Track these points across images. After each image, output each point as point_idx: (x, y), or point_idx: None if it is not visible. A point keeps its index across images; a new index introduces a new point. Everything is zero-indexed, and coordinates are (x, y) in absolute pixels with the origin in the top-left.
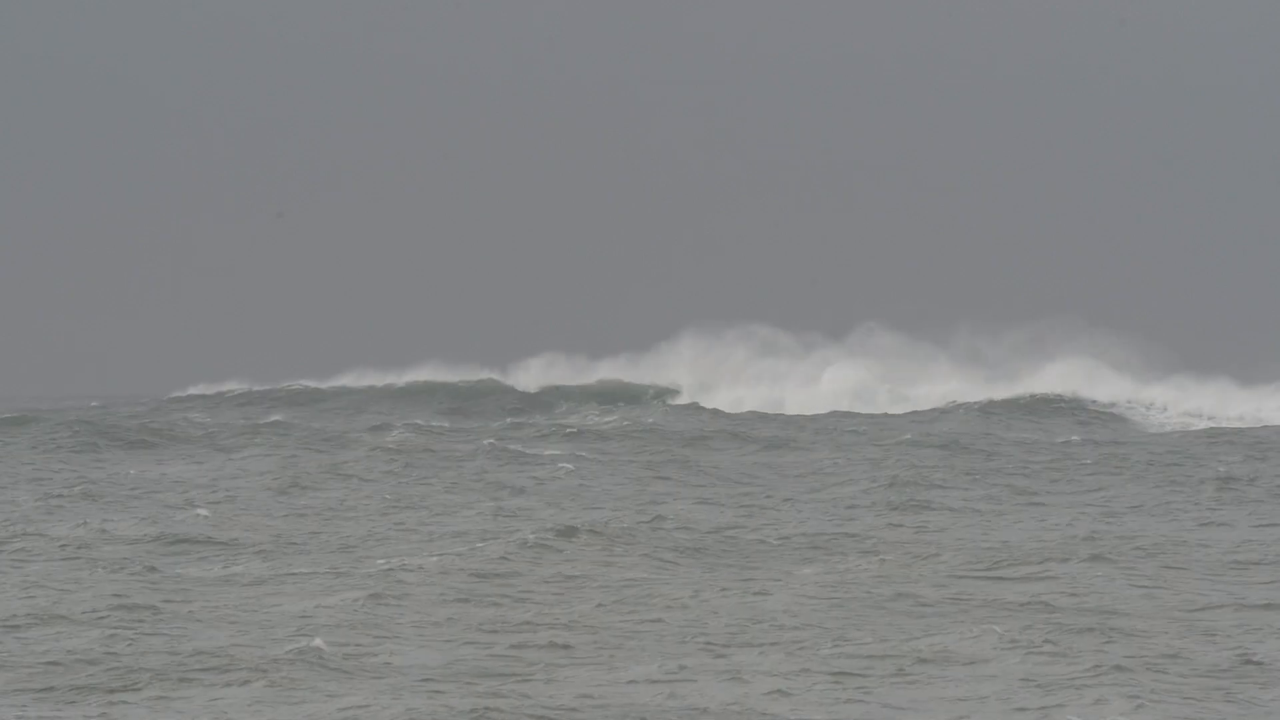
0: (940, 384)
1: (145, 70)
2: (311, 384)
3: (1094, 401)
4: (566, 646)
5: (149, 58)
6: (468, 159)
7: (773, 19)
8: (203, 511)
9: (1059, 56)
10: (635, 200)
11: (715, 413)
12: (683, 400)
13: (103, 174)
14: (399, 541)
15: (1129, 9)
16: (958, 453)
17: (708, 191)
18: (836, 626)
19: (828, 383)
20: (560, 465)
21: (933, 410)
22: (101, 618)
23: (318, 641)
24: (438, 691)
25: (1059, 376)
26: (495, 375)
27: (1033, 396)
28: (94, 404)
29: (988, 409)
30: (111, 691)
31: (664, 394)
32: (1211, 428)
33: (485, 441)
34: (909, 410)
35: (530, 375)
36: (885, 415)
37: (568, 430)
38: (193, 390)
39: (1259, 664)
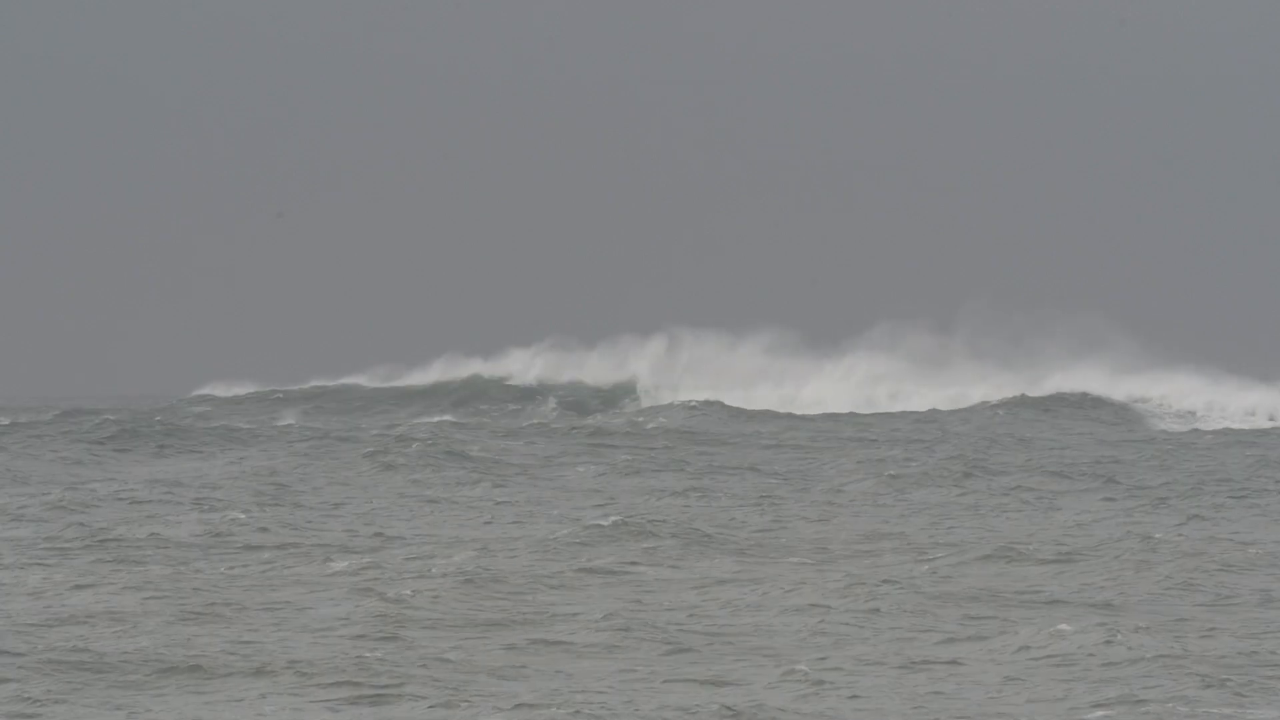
0: (970, 384)
1: (145, 70)
2: (326, 383)
3: (1108, 399)
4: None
5: (149, 58)
6: (468, 159)
7: (773, 19)
8: (239, 515)
9: (1059, 56)
10: (635, 200)
11: (736, 411)
12: (689, 398)
13: (102, 174)
14: (441, 540)
15: (1129, 9)
16: (1007, 449)
17: (708, 191)
18: (929, 623)
19: (849, 380)
20: (593, 464)
21: (961, 410)
22: (155, 616)
23: (374, 642)
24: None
25: (1097, 374)
26: (500, 373)
27: (1065, 394)
28: (103, 405)
29: (1019, 405)
30: (163, 690)
31: (628, 392)
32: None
33: (507, 441)
34: (929, 408)
35: (532, 371)
36: (905, 413)
37: (586, 428)
38: (206, 390)
39: None
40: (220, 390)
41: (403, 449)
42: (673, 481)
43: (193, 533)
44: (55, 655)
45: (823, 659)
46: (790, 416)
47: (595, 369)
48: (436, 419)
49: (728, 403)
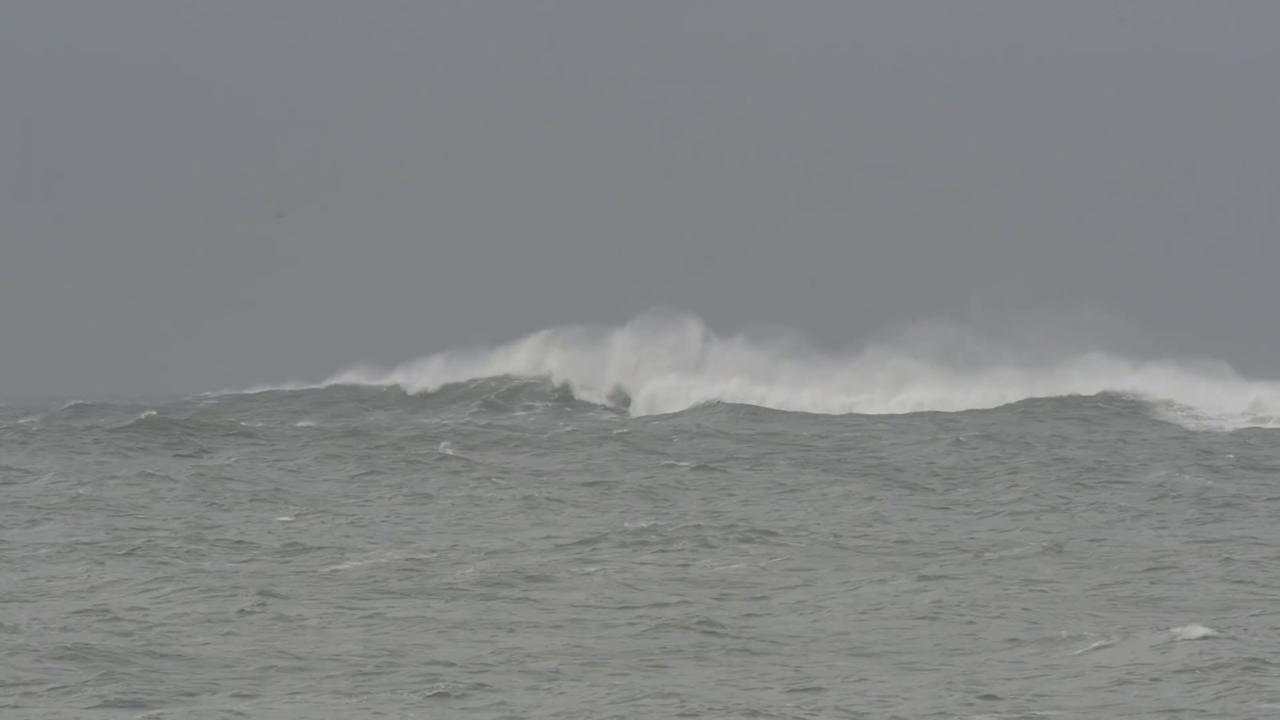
0: (999, 387)
1: (146, 70)
2: (336, 382)
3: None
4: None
5: (150, 58)
6: (468, 159)
7: (773, 19)
8: (285, 518)
9: (1059, 56)
10: (635, 200)
11: (775, 412)
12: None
13: (102, 174)
14: (467, 546)
15: (1129, 9)
16: (1053, 447)
17: (708, 191)
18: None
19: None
20: (624, 462)
21: (989, 410)
22: (177, 615)
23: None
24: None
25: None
26: (500, 373)
27: (1093, 394)
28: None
29: (1054, 404)
30: (241, 696)
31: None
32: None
33: (529, 441)
34: (952, 409)
35: (541, 369)
36: (934, 413)
37: (606, 426)
38: (211, 390)
39: None
40: (229, 389)
41: (429, 450)
42: (705, 480)
43: (218, 531)
44: (75, 651)
45: (892, 656)
46: (807, 416)
47: (612, 365)
48: (454, 422)
49: (751, 402)
